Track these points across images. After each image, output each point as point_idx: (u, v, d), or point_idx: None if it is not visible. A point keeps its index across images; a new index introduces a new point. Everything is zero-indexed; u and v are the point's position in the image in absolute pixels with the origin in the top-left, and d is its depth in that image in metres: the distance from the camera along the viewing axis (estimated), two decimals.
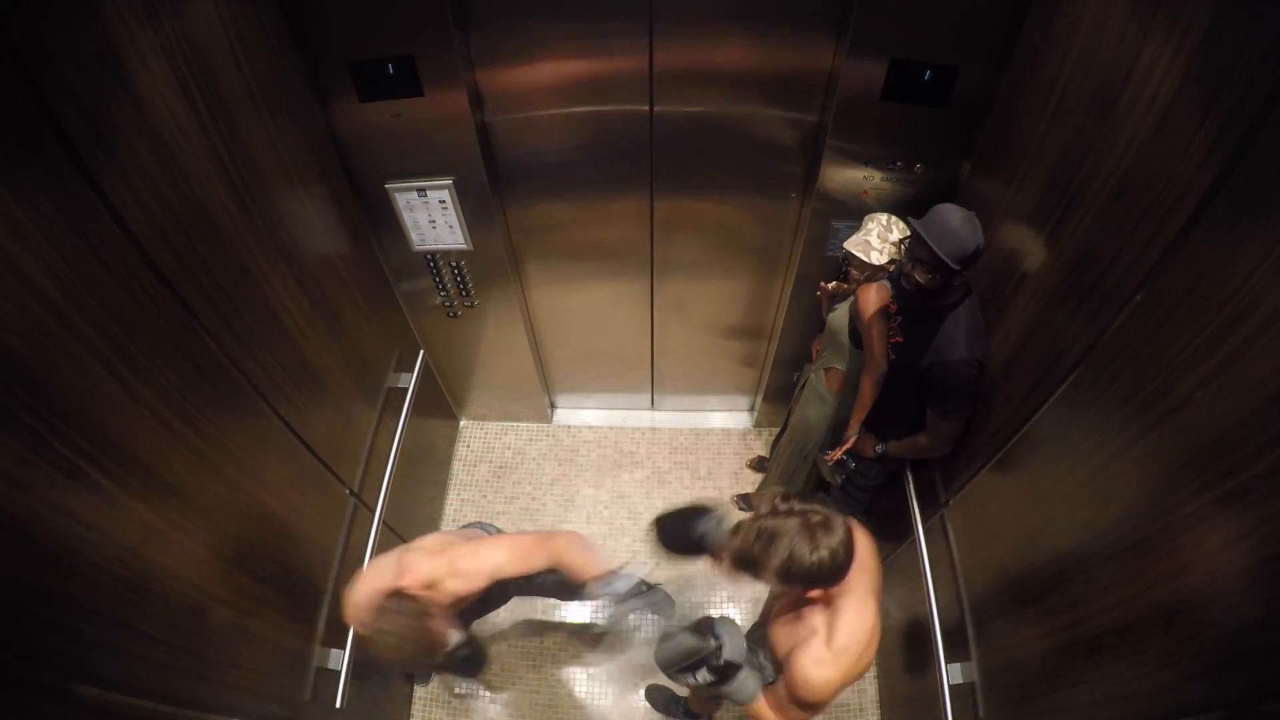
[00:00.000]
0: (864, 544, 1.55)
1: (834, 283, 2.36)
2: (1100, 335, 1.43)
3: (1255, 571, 1.05)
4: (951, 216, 1.68)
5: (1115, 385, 1.39)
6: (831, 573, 1.37)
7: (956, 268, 1.67)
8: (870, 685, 2.75)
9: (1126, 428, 1.34)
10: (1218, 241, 1.14)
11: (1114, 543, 1.37)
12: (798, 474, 2.92)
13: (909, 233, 2.04)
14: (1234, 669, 1.10)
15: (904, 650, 2.56)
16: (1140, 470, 1.31)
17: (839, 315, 2.33)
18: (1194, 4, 1.18)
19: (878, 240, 2.10)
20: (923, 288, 1.76)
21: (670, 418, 3.51)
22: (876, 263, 2.09)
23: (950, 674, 1.97)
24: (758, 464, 3.32)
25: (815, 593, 1.44)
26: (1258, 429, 1.04)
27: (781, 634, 1.61)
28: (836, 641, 1.46)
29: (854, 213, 2.21)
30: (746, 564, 1.40)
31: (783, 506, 1.38)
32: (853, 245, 2.13)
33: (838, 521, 1.38)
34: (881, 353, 2.07)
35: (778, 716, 1.58)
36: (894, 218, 2.12)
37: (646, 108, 2.07)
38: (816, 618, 1.51)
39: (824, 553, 1.34)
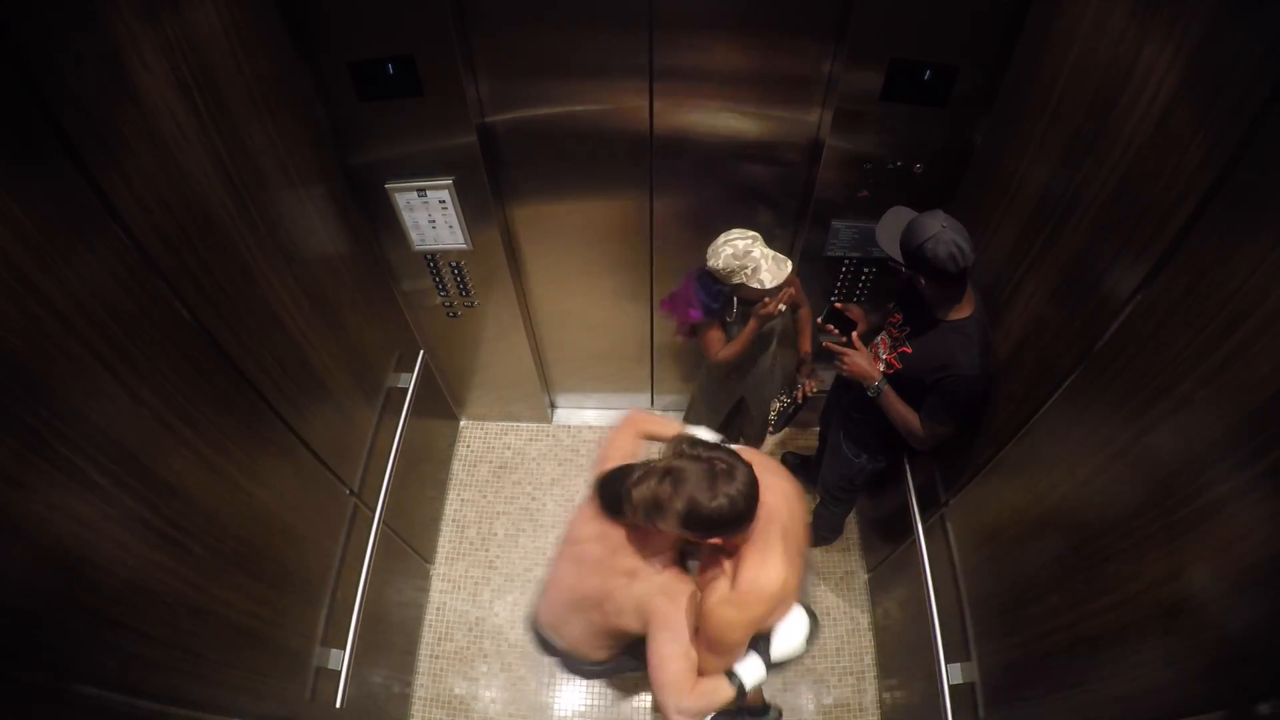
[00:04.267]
0: (779, 493, 1.53)
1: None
2: (1100, 335, 1.43)
3: (1255, 571, 1.05)
4: (919, 216, 1.74)
5: (1115, 385, 1.39)
6: (731, 520, 1.37)
7: (900, 261, 1.78)
8: (870, 685, 2.75)
9: (1126, 428, 1.34)
10: (1218, 241, 1.14)
11: (1114, 543, 1.37)
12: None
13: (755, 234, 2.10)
14: (1234, 669, 1.10)
15: (904, 650, 2.56)
16: (1140, 470, 1.31)
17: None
18: (1194, 4, 1.18)
19: (774, 264, 2.07)
20: (923, 295, 1.82)
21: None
22: (779, 283, 2.08)
23: (950, 674, 1.96)
24: None
25: (715, 540, 1.44)
26: (1258, 429, 1.04)
27: (701, 588, 1.63)
28: (739, 585, 1.47)
29: (854, 213, 2.22)
30: (653, 509, 1.39)
31: (690, 451, 1.37)
32: (766, 278, 2.05)
33: (741, 470, 1.37)
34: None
35: (702, 667, 1.58)
36: (741, 233, 2.09)
37: (647, 107, 2.07)
38: (725, 563, 1.53)
39: (723, 500, 1.33)
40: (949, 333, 1.83)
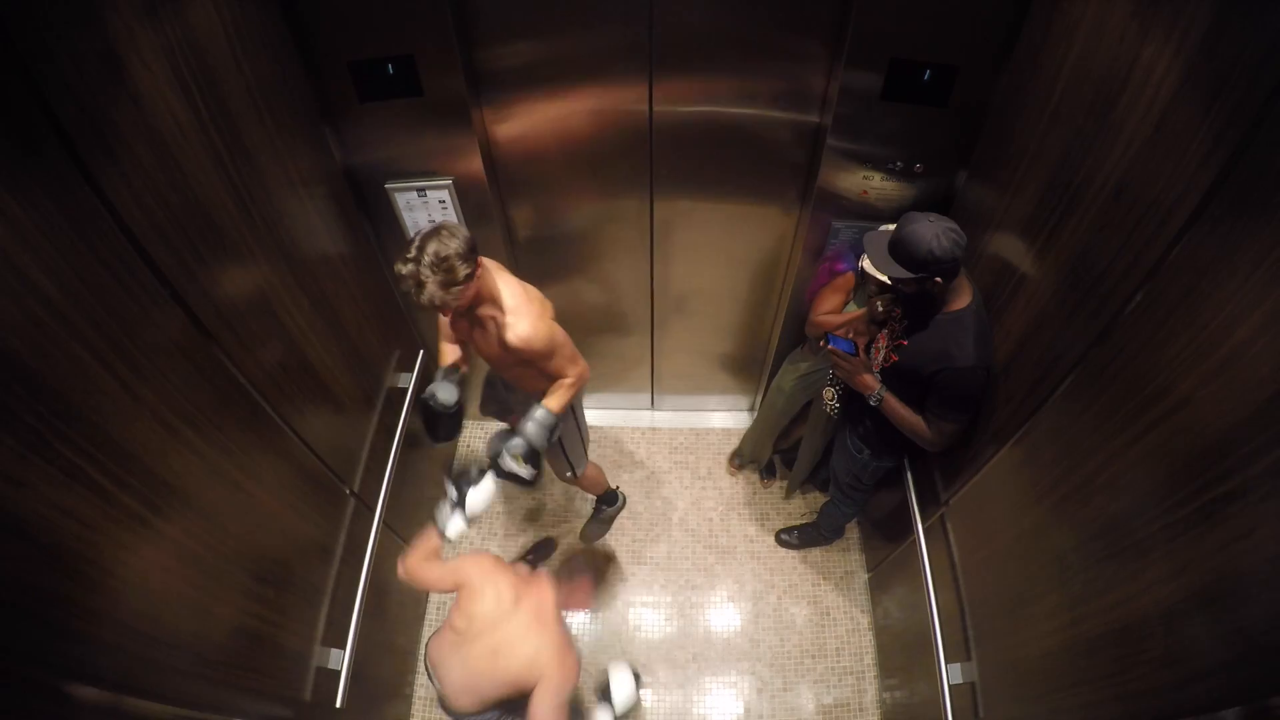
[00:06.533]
0: None
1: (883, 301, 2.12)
2: (1100, 335, 1.44)
3: (1255, 571, 1.05)
4: (901, 228, 1.70)
5: (1115, 385, 1.39)
6: (473, 247, 1.66)
7: (912, 275, 1.70)
8: (870, 685, 2.75)
9: (1126, 428, 1.34)
10: (1218, 241, 1.14)
11: (1114, 542, 1.37)
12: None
13: None
14: (1234, 669, 1.10)
15: (904, 650, 2.56)
16: (1140, 470, 1.31)
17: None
18: (1194, 4, 1.18)
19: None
20: (933, 294, 1.79)
21: (670, 418, 3.51)
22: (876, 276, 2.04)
23: (950, 674, 1.97)
24: (738, 464, 3.32)
25: (479, 264, 1.68)
26: (1258, 429, 1.04)
27: (496, 359, 1.98)
28: (509, 305, 1.83)
29: (854, 213, 2.22)
30: (447, 274, 1.60)
31: (412, 254, 1.59)
32: (867, 260, 2.05)
33: (433, 228, 1.64)
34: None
35: (566, 386, 2.06)
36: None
37: (646, 108, 2.07)
38: (488, 316, 1.86)
39: (461, 233, 1.64)
40: (944, 325, 1.82)
